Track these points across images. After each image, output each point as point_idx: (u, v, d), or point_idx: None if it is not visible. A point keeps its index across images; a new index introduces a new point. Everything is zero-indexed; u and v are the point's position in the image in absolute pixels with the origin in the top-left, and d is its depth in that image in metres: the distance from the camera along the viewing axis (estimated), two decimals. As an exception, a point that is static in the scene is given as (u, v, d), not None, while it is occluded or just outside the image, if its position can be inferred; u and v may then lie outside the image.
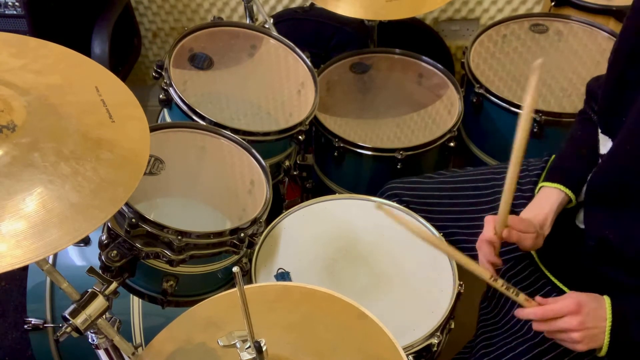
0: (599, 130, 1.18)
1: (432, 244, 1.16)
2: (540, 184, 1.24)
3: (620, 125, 1.10)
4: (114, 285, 1.02)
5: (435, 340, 1.18)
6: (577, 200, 1.21)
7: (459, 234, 1.36)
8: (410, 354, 1.16)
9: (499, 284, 1.11)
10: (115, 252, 1.14)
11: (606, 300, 1.06)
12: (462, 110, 1.69)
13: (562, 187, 1.20)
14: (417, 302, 1.24)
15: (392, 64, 1.86)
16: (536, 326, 1.10)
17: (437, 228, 1.36)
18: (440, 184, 1.42)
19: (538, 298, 1.11)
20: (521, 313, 1.11)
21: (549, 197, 1.20)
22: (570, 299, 1.07)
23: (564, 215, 1.23)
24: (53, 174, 0.82)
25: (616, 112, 1.11)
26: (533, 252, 1.25)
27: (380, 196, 1.46)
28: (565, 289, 1.19)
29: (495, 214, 1.33)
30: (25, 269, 1.46)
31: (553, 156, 1.32)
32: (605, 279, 1.14)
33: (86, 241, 1.46)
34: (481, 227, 1.32)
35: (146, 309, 1.43)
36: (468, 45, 1.78)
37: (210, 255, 1.22)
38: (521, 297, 1.11)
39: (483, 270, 1.12)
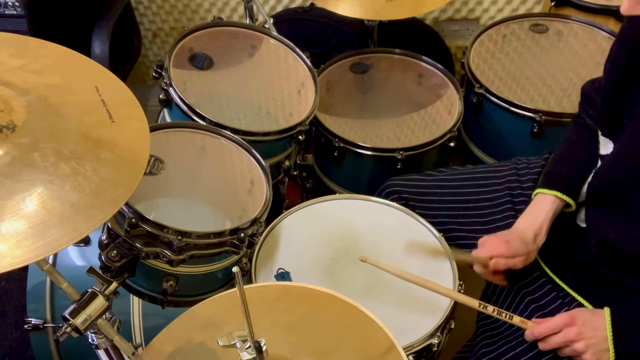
0: (599, 133, 1.18)
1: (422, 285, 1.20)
2: (536, 190, 1.24)
3: (621, 127, 1.10)
4: (114, 285, 1.02)
5: (435, 340, 1.18)
6: (576, 203, 1.21)
7: (458, 230, 1.36)
8: (410, 354, 1.16)
9: (490, 310, 1.16)
10: (115, 252, 1.14)
11: (605, 311, 1.08)
12: (462, 110, 1.69)
13: (558, 194, 1.20)
14: (417, 302, 1.24)
15: (392, 64, 1.86)
16: (541, 346, 1.12)
17: (436, 225, 1.36)
18: (440, 181, 1.42)
19: (535, 319, 1.15)
20: (526, 336, 1.14)
21: (545, 204, 1.21)
22: (564, 313, 1.11)
23: (565, 215, 1.23)
24: (53, 174, 0.82)
25: (617, 114, 1.11)
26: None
27: (380, 193, 1.46)
28: (566, 287, 1.19)
29: (494, 213, 1.34)
30: (25, 269, 1.46)
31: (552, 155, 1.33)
32: (606, 279, 1.15)
33: (86, 241, 1.46)
34: (480, 224, 1.33)
35: (146, 309, 1.43)
36: (468, 45, 1.78)
37: (210, 255, 1.22)
38: (516, 320, 1.15)
39: (471, 299, 1.17)
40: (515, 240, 1.17)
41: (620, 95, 1.11)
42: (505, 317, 1.15)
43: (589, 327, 1.07)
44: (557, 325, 1.09)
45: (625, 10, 0.95)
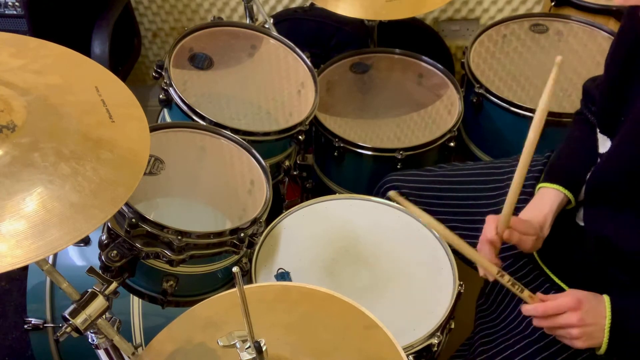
0: (598, 130, 1.19)
1: (443, 235, 1.19)
2: (539, 185, 1.24)
3: (619, 125, 1.11)
4: (114, 285, 1.02)
5: (435, 340, 1.18)
6: (576, 200, 1.21)
7: (459, 227, 1.36)
8: (410, 354, 1.16)
9: (506, 280, 1.12)
10: (115, 252, 1.14)
11: (605, 298, 1.07)
12: (462, 110, 1.69)
13: (560, 188, 1.20)
14: (417, 302, 1.24)
15: (392, 64, 1.86)
16: (537, 322, 1.11)
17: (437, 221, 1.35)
18: (441, 177, 1.42)
19: (540, 295, 1.12)
20: (524, 309, 1.12)
21: (548, 198, 1.20)
22: (571, 295, 1.08)
23: (564, 213, 1.23)
24: (53, 174, 0.82)
25: (614, 112, 1.12)
26: (533, 250, 1.25)
27: (380, 189, 1.46)
28: (564, 286, 1.19)
29: (495, 210, 1.33)
30: (25, 269, 1.46)
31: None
32: (604, 277, 1.15)
33: (86, 241, 1.46)
34: (481, 221, 1.33)
35: (146, 309, 1.43)
36: (468, 45, 1.78)
37: (210, 255, 1.22)
38: (525, 294, 1.12)
39: (490, 264, 1.13)
40: (526, 222, 1.16)
41: (618, 93, 1.11)
42: (518, 289, 1.11)
43: (592, 315, 1.05)
44: (562, 307, 1.07)
45: (618, 0, 0.94)
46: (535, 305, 1.10)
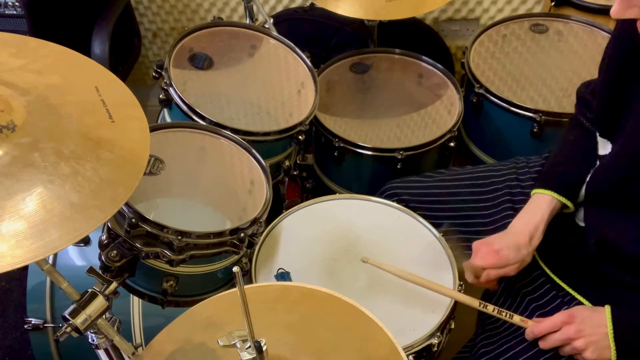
0: (597, 134, 1.18)
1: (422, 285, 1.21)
2: (533, 191, 1.24)
3: (619, 128, 1.10)
4: (114, 285, 1.02)
5: (435, 340, 1.18)
6: (574, 203, 1.21)
7: (459, 232, 1.36)
8: (410, 354, 1.16)
9: (490, 310, 1.15)
10: (115, 252, 1.14)
11: (606, 309, 1.08)
12: (462, 110, 1.69)
13: (554, 195, 1.20)
14: (417, 302, 1.24)
15: (392, 64, 1.86)
16: (542, 345, 1.12)
17: (437, 226, 1.36)
18: (440, 182, 1.42)
19: (535, 318, 1.15)
20: (526, 336, 1.14)
21: (541, 205, 1.20)
22: (563, 311, 1.11)
23: (564, 214, 1.23)
24: (53, 174, 0.82)
25: (614, 115, 1.11)
26: (534, 251, 1.25)
27: (380, 196, 1.46)
28: (566, 287, 1.19)
29: (494, 212, 1.34)
30: (25, 269, 1.46)
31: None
32: (605, 277, 1.15)
33: (86, 241, 1.46)
34: (481, 224, 1.33)
35: (146, 309, 1.43)
36: (468, 45, 1.78)
37: (210, 256, 1.22)
38: (516, 319, 1.15)
39: (471, 299, 1.18)
40: (508, 248, 1.17)
41: (617, 94, 1.11)
42: (506, 316, 1.15)
43: (588, 324, 1.07)
44: (556, 323, 1.09)
45: (615, 13, 0.94)
46: (531, 328, 1.13)
